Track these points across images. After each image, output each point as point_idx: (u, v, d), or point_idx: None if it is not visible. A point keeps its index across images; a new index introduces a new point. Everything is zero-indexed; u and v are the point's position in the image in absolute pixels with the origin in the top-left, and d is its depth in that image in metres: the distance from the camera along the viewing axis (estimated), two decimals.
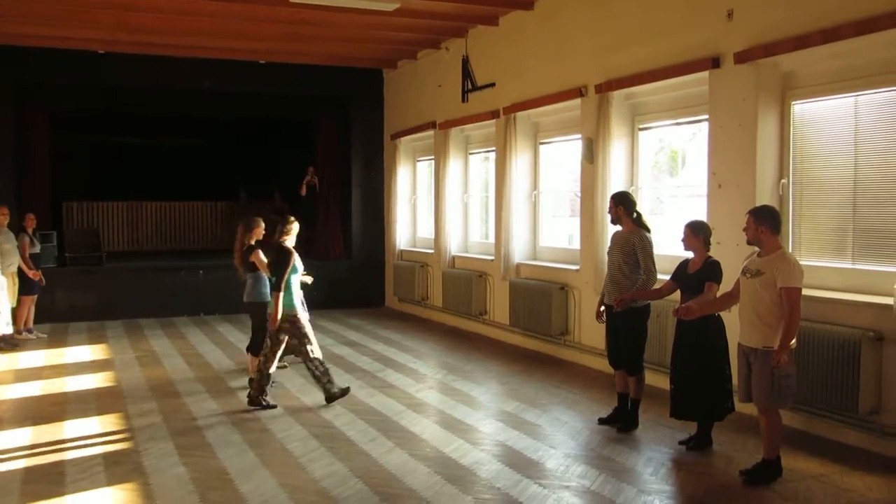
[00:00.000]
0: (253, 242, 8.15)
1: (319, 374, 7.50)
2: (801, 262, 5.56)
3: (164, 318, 13.14)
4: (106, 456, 6.08)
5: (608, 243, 7.00)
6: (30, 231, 11.21)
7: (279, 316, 7.27)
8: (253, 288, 8.14)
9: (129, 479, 5.54)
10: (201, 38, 12.06)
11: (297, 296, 7.51)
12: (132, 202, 17.97)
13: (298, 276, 7.57)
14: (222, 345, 10.82)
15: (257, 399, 7.44)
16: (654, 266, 6.55)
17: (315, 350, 7.48)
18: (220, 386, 8.41)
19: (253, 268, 8.10)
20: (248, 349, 8.42)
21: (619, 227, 6.80)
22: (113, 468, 5.79)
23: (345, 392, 7.63)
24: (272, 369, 7.50)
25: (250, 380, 7.71)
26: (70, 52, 12.63)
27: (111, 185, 18.29)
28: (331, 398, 7.54)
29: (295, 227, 7.58)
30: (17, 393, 8.20)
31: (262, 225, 8.32)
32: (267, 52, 13.07)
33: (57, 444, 6.38)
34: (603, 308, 6.87)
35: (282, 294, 7.27)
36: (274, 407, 7.42)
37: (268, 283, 7.90)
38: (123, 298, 13.27)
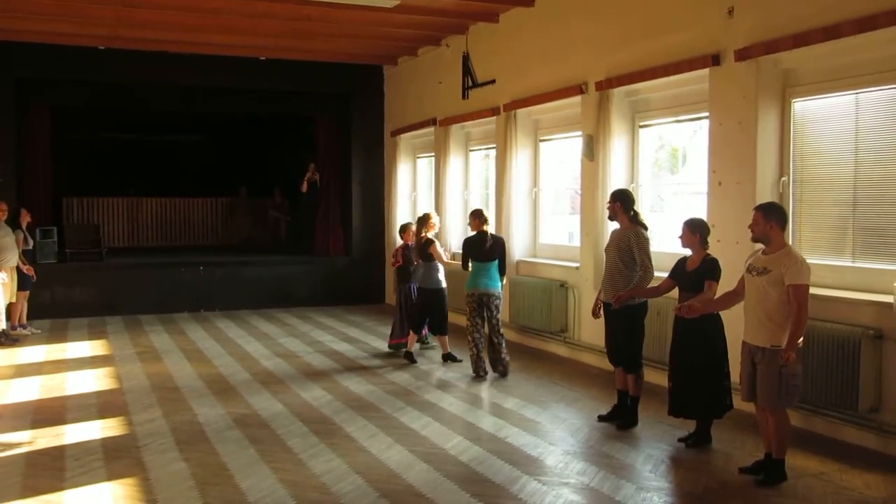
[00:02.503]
0: (431, 235, 9.11)
1: (502, 347, 8.45)
2: None
3: (165, 314, 13.15)
4: (106, 450, 6.09)
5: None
6: (24, 227, 11.20)
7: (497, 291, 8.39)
8: (426, 275, 9.14)
9: (128, 474, 5.56)
10: (202, 35, 12.03)
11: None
12: (132, 198, 17.96)
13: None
14: (222, 341, 10.82)
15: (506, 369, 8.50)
16: (651, 263, 6.55)
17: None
18: (221, 382, 8.42)
19: (429, 258, 9.05)
20: (433, 331, 9.44)
21: (616, 225, 6.81)
22: (113, 463, 5.80)
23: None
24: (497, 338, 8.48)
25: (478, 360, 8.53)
26: (71, 49, 12.62)
27: (111, 180, 18.29)
28: (505, 373, 8.51)
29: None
30: (18, 388, 8.20)
31: (436, 219, 9.34)
32: (267, 48, 13.04)
33: (57, 439, 6.39)
34: (600, 306, 6.88)
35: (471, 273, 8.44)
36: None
37: (441, 270, 9.15)
38: (124, 294, 13.27)
